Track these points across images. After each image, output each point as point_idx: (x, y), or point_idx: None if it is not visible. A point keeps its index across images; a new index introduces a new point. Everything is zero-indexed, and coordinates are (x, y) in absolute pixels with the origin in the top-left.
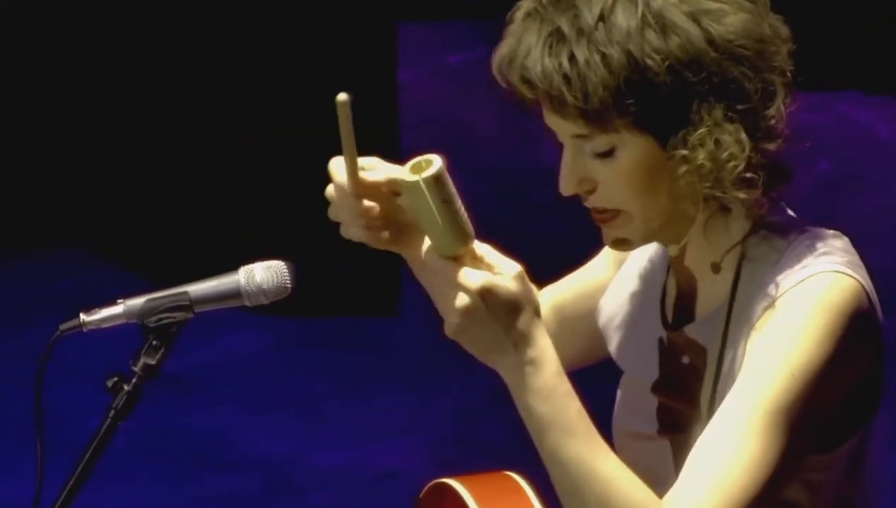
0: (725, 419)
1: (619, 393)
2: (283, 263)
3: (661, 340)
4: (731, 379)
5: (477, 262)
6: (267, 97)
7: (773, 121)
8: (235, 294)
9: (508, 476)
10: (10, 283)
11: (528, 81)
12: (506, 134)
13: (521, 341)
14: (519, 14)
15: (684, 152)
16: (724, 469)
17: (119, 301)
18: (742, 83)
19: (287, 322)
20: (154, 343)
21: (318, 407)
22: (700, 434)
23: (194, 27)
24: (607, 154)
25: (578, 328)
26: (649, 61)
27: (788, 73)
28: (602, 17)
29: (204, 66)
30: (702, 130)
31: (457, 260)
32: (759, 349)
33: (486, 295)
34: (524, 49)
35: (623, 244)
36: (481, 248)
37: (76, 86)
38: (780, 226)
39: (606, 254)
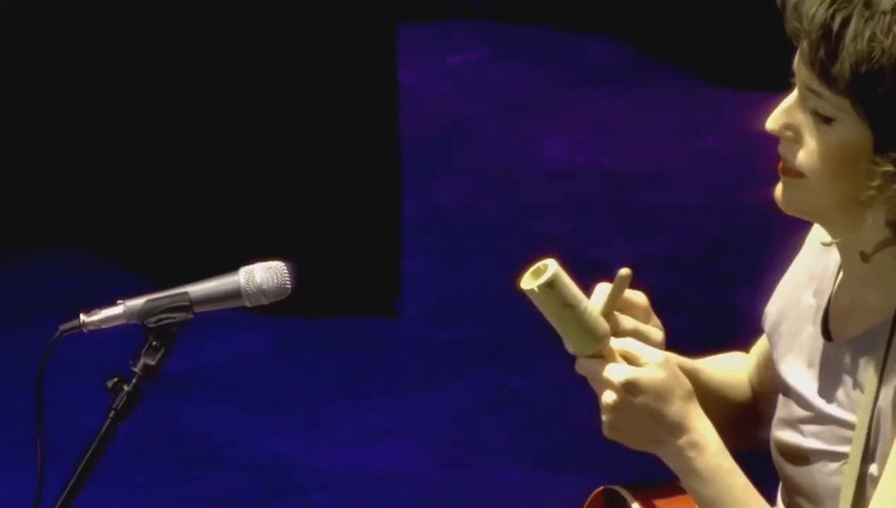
0: (887, 476)
1: (778, 403)
2: (283, 263)
3: (822, 352)
4: (891, 399)
5: (622, 354)
6: (267, 97)
7: None
8: (235, 294)
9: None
10: (10, 283)
11: (798, 13)
12: (506, 134)
13: (677, 427)
14: None
15: (889, 169)
16: None
17: (119, 301)
18: None
19: (287, 322)
20: (154, 343)
21: (317, 407)
22: (858, 454)
23: (194, 27)
24: (825, 120)
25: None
26: None
27: None
28: (895, 10)
29: (204, 65)
30: None
31: (602, 357)
32: None
33: (630, 389)
34: None
35: (787, 204)
36: (624, 342)
37: (76, 86)
38: None
39: None
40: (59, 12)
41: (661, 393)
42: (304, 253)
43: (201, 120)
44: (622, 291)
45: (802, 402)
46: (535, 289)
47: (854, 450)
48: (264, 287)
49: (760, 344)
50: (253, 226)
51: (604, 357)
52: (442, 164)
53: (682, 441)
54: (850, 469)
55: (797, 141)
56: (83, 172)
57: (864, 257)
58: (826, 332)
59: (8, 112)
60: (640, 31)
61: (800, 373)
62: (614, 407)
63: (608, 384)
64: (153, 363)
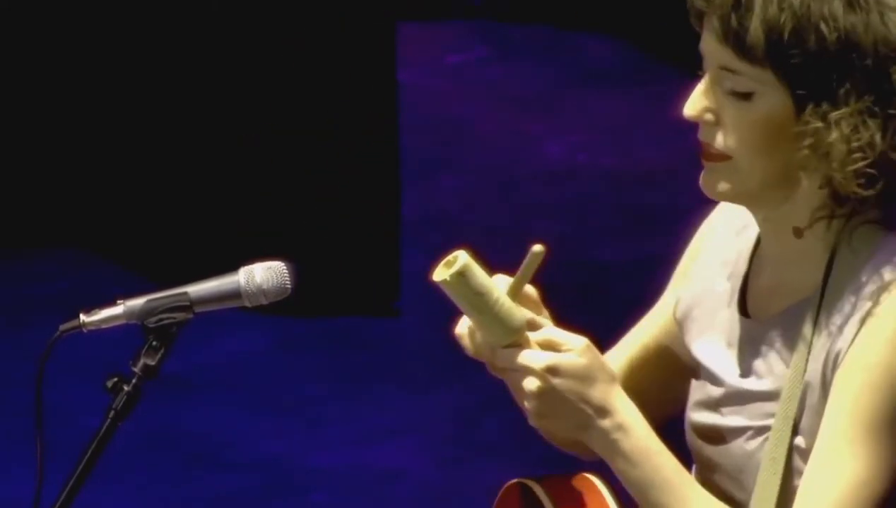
0: (828, 440)
1: (692, 387)
2: (283, 263)
3: (742, 331)
4: (819, 373)
5: (542, 344)
6: (267, 97)
7: None
8: (235, 294)
9: (586, 477)
10: (10, 283)
11: None
12: (506, 134)
13: (602, 410)
14: None
15: (818, 125)
16: (832, 494)
17: (119, 301)
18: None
19: (287, 322)
20: (154, 343)
21: (318, 407)
22: (787, 428)
23: (194, 27)
24: (744, 96)
25: (672, 371)
26: (823, 25)
27: None
28: None
29: (204, 65)
30: (844, 110)
31: (519, 346)
32: (854, 362)
33: (553, 373)
34: None
35: (716, 191)
36: (545, 331)
37: (76, 85)
38: (877, 221)
39: (672, 288)
40: (59, 12)
41: (583, 377)
42: (304, 253)
43: (201, 120)
44: (534, 267)
45: (720, 382)
46: (448, 279)
47: (780, 425)
48: (264, 287)
49: (637, 341)
50: (253, 226)
51: (521, 346)
52: (442, 164)
53: (607, 423)
54: (779, 444)
55: (718, 123)
56: (83, 172)
57: (798, 232)
58: (745, 313)
59: (8, 112)
60: (640, 31)
61: (717, 354)
62: (538, 394)
63: (529, 370)
64: (153, 363)
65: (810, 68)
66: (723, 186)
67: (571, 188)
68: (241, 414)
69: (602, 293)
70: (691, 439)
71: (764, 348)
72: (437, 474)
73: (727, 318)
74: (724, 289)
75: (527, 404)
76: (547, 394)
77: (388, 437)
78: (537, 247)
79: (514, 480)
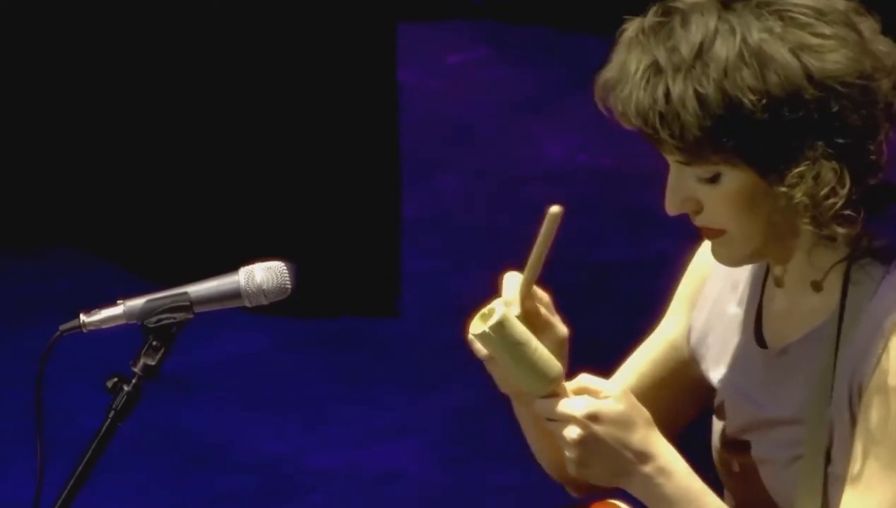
0: (860, 466)
1: (715, 417)
2: (283, 263)
3: (760, 359)
4: (846, 401)
5: (578, 392)
6: (267, 97)
7: (874, 156)
8: (235, 294)
9: (612, 503)
10: (10, 283)
11: (625, 114)
12: (506, 134)
13: (643, 455)
14: (623, 37)
15: (783, 189)
16: None
17: (119, 301)
18: (844, 118)
19: (287, 322)
20: (154, 343)
21: (318, 407)
22: (818, 453)
23: (194, 27)
24: (711, 180)
25: (679, 392)
26: (745, 99)
27: (892, 105)
28: (700, 52)
29: (204, 65)
30: (800, 168)
31: (556, 396)
32: (877, 389)
33: (594, 420)
34: (623, 79)
35: (728, 260)
36: (580, 379)
37: (76, 85)
38: (880, 253)
39: (678, 309)
40: (59, 12)
41: (623, 423)
42: (304, 253)
43: (201, 120)
44: (553, 231)
45: (743, 412)
46: (487, 331)
47: (811, 454)
48: (264, 287)
49: (639, 366)
50: (253, 226)
51: (558, 395)
52: (442, 164)
53: (649, 468)
54: (813, 474)
55: (700, 207)
56: (83, 172)
57: (817, 286)
58: (760, 339)
59: (8, 112)
60: None
61: (737, 384)
62: (580, 442)
63: (570, 418)
64: (153, 363)
65: (754, 142)
66: (732, 255)
67: (571, 188)
68: (241, 414)
69: (602, 293)
70: (723, 476)
71: (786, 376)
72: (437, 474)
73: (742, 346)
74: (736, 315)
75: (568, 453)
76: (588, 442)
77: (388, 437)
78: (554, 208)
79: None
